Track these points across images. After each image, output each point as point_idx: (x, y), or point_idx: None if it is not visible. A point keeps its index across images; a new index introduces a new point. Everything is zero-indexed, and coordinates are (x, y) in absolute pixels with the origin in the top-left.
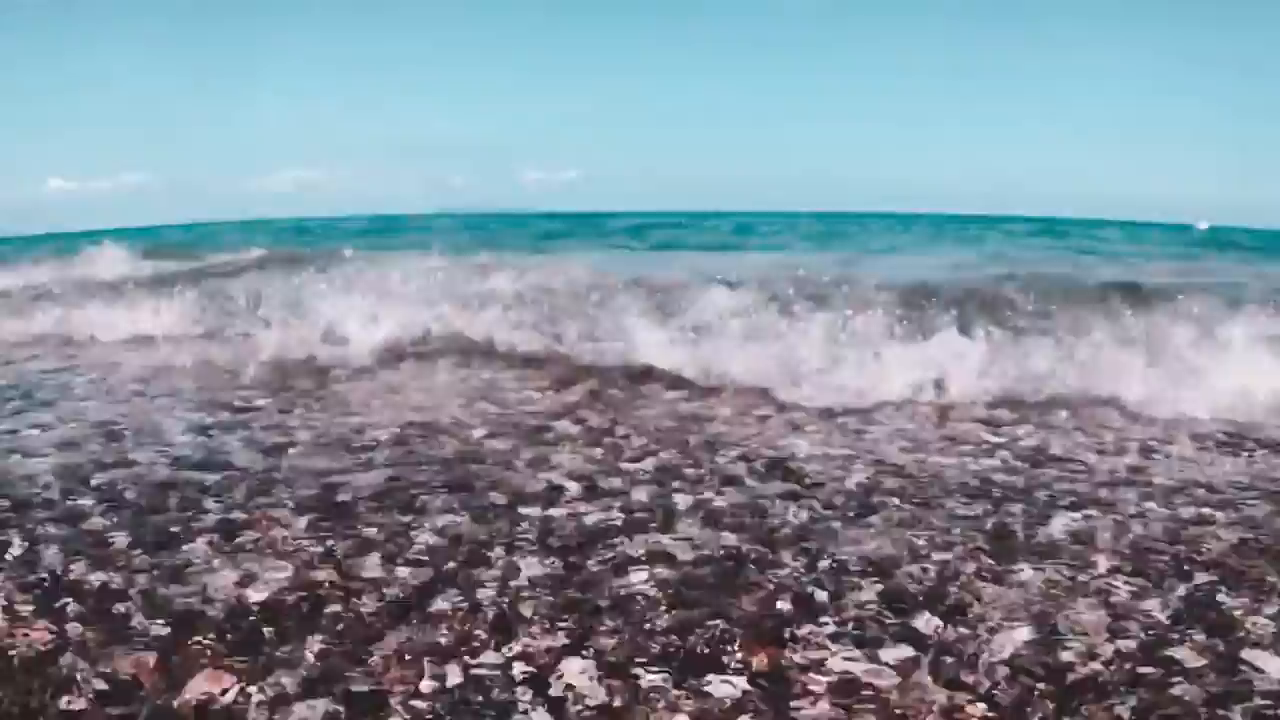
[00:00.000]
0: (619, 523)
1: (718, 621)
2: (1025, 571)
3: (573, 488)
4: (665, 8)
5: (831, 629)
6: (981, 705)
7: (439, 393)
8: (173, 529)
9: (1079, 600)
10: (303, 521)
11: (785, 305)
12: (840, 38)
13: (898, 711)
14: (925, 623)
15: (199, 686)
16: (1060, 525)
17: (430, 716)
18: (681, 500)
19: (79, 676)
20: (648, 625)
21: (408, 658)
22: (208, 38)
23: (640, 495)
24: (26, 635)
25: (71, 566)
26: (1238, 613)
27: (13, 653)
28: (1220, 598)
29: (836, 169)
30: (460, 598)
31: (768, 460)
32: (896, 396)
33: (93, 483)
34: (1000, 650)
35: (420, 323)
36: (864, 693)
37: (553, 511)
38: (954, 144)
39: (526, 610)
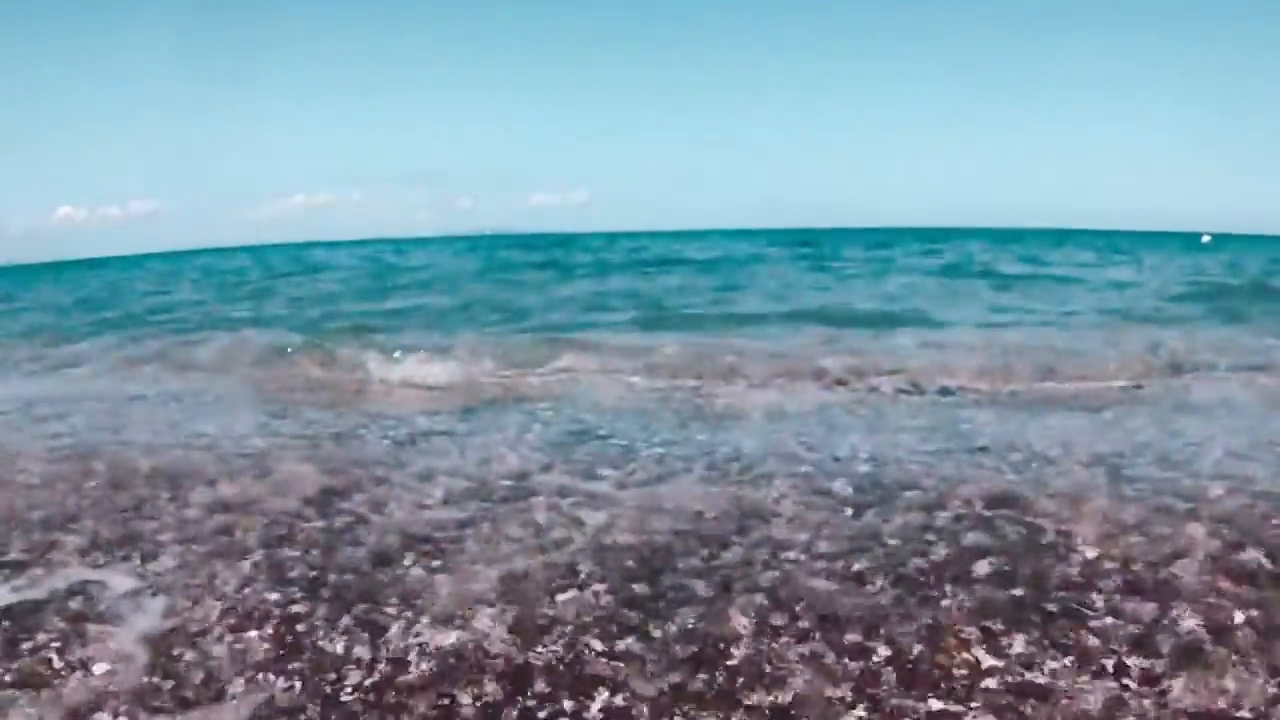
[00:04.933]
0: None
1: None
2: None
3: None
4: (674, 26)
5: None
6: None
7: None
8: None
9: None
10: None
11: None
12: (848, 53)
13: None
14: None
15: None
16: None
17: None
18: None
19: None
20: None
21: None
22: (215, 65)
23: None
24: None
25: None
26: None
27: None
28: None
29: (847, 184)
30: None
31: None
32: None
33: None
34: None
35: None
36: None
37: None
38: (950, 155)
39: None
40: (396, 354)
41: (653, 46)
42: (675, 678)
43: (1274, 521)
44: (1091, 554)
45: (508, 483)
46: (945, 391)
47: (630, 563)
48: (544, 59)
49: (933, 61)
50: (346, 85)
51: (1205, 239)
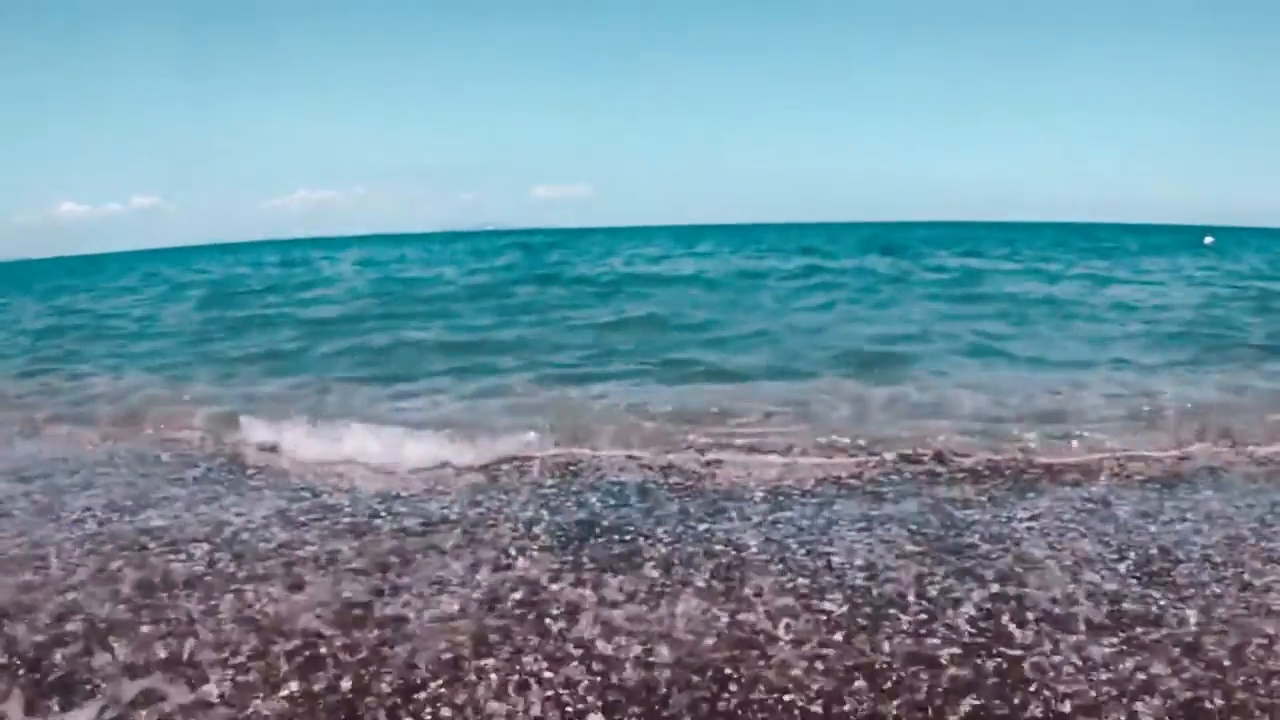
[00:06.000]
0: None
1: None
2: None
3: None
4: (674, 21)
5: None
6: None
7: None
8: None
9: None
10: None
11: None
12: (844, 49)
13: None
14: None
15: None
16: None
17: None
18: None
19: None
20: None
21: None
22: (219, 61)
23: None
24: None
25: None
26: None
27: None
28: None
29: (839, 177)
30: None
31: None
32: None
33: None
34: None
35: None
36: None
37: None
38: (955, 148)
39: None
40: (407, 432)
41: (653, 42)
42: None
43: (1248, 654)
44: (1062, 691)
45: (518, 595)
46: (939, 459)
47: (636, 706)
48: (546, 53)
49: (936, 57)
50: (350, 80)
51: (1208, 240)
